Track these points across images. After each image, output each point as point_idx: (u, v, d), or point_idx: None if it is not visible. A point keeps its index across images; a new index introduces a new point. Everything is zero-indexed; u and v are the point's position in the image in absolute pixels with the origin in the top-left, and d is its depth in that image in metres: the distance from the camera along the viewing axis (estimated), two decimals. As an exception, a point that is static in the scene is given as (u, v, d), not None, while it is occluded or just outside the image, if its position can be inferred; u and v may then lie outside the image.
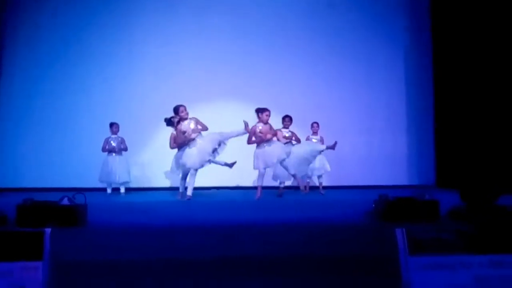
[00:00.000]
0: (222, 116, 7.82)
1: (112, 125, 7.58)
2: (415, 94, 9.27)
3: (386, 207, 3.86)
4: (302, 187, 6.98)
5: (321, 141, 7.51)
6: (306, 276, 3.00)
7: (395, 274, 2.07)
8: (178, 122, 6.37)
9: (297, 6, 9.14)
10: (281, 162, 6.51)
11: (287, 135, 7.04)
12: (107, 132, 7.63)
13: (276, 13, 9.08)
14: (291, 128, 7.22)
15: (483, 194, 3.99)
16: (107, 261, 3.03)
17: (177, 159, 6.55)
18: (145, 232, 3.52)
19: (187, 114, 6.37)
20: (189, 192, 6.26)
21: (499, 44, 7.90)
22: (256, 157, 6.48)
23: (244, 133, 6.46)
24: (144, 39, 8.84)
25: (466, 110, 8.28)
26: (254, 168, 6.55)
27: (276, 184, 7.33)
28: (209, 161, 6.34)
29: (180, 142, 6.41)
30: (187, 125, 6.31)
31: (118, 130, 7.59)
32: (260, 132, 6.46)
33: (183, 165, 6.33)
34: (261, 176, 6.49)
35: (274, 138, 6.62)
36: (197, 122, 6.39)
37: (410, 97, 9.27)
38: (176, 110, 6.38)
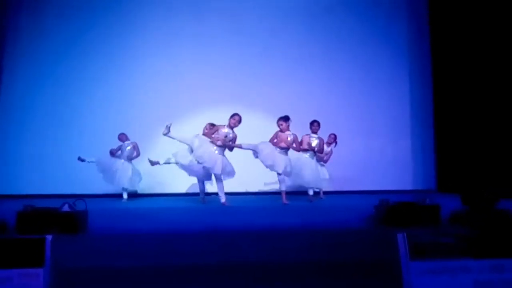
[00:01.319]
0: (223, 120, 7.83)
1: (121, 134, 7.55)
2: (415, 99, 9.28)
3: (387, 212, 3.86)
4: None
5: (320, 142, 7.37)
6: (308, 281, 3.00)
7: (396, 278, 2.07)
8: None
9: (297, 10, 9.17)
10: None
11: (315, 142, 6.96)
12: (108, 138, 7.59)
13: (276, 18, 9.10)
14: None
15: (484, 198, 3.99)
16: (108, 267, 3.02)
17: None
18: (145, 238, 3.52)
19: (236, 123, 6.33)
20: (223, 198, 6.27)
21: (499, 48, 7.90)
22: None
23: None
24: (145, 44, 8.87)
25: (467, 114, 8.28)
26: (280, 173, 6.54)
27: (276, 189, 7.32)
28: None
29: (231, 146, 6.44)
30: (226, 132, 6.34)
31: (127, 138, 7.56)
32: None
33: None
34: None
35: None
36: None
37: (410, 101, 9.28)
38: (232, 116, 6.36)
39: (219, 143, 6.20)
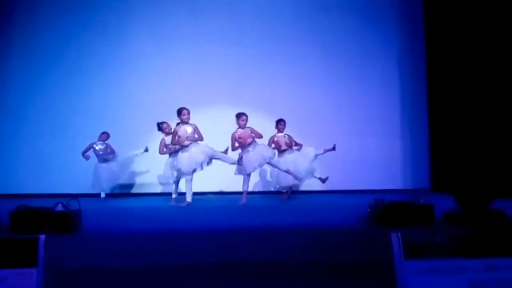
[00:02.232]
0: (217, 120, 7.84)
1: (102, 133, 7.57)
2: (409, 98, 9.30)
3: (381, 211, 3.87)
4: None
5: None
6: (302, 280, 3.00)
7: (390, 278, 2.08)
8: (178, 124, 6.39)
9: (292, 10, 9.17)
10: (270, 161, 6.52)
11: (285, 139, 7.00)
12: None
13: (271, 17, 9.11)
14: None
15: (478, 198, 4.01)
16: (102, 268, 3.01)
17: (170, 164, 6.61)
18: (140, 238, 3.51)
19: (189, 118, 6.37)
20: (188, 198, 6.26)
21: (494, 48, 7.95)
22: (243, 162, 6.45)
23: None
24: (141, 43, 8.86)
25: (461, 114, 8.32)
26: (236, 173, 6.56)
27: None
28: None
29: (174, 145, 6.45)
30: (184, 130, 6.32)
31: (107, 138, 7.59)
32: (239, 137, 6.46)
33: (178, 170, 6.34)
34: (246, 181, 6.50)
35: (259, 140, 6.61)
36: (196, 129, 6.39)
37: (405, 101, 9.31)
38: (179, 112, 6.38)
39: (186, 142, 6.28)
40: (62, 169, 8.24)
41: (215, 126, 7.42)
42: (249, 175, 6.48)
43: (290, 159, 6.83)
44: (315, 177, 7.27)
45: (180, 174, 6.44)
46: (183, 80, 8.73)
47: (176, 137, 6.31)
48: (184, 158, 6.25)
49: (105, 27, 8.82)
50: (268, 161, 6.49)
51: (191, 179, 6.32)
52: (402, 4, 9.53)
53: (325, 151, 7.32)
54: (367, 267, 2.97)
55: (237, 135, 6.47)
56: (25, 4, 8.84)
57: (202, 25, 8.95)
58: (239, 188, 6.58)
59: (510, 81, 7.90)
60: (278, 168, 6.65)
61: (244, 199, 6.36)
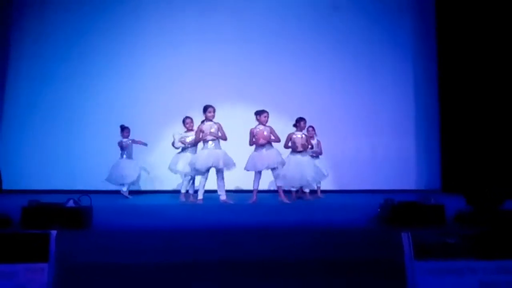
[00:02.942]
0: (225, 119, 7.84)
1: (124, 129, 7.55)
2: (420, 98, 9.25)
3: (392, 211, 3.84)
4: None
5: (318, 144, 7.48)
6: (311, 279, 3.00)
7: (400, 278, 2.06)
8: (202, 121, 6.45)
9: (303, 9, 9.16)
10: (272, 170, 6.46)
11: (302, 140, 6.92)
12: (112, 134, 7.62)
13: (281, 16, 9.11)
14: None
15: (489, 198, 3.97)
16: (112, 263, 3.03)
17: (189, 160, 6.59)
18: (150, 234, 3.52)
19: (213, 116, 6.41)
20: (200, 195, 6.29)
21: (506, 48, 7.87)
22: (250, 158, 6.46)
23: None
24: (149, 41, 8.91)
25: (472, 114, 8.25)
26: (245, 169, 6.54)
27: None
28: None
29: (196, 141, 6.52)
30: (208, 127, 6.35)
31: (129, 134, 7.59)
32: (256, 133, 6.43)
33: (193, 166, 6.37)
34: (256, 179, 6.47)
35: (276, 144, 6.56)
36: (220, 128, 6.41)
37: (416, 101, 9.26)
38: (204, 109, 6.45)
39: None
40: (74, 165, 8.31)
41: (225, 125, 7.41)
42: (259, 173, 6.45)
43: (300, 161, 6.76)
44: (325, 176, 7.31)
45: (194, 171, 6.47)
46: (191, 78, 8.76)
47: (200, 134, 6.35)
48: (203, 155, 6.30)
49: (113, 26, 8.89)
50: (271, 167, 6.42)
51: (206, 177, 6.33)
52: (414, 4, 9.47)
53: (312, 153, 7.30)
54: (377, 267, 2.95)
55: (254, 131, 6.46)
56: (36, 5, 8.92)
57: (210, 24, 8.98)
58: (249, 186, 6.58)
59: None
60: (275, 179, 6.60)
61: (254, 197, 6.36)
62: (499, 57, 7.95)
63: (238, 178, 6.98)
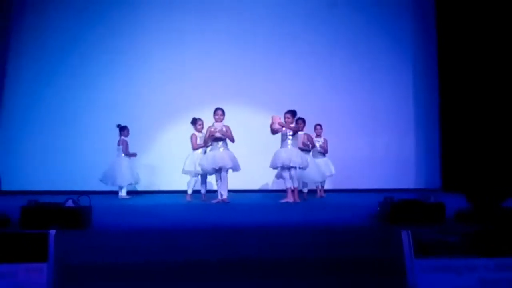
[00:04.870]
0: (226, 119, 7.84)
1: (125, 128, 7.53)
2: (421, 98, 9.25)
3: (392, 210, 3.84)
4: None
5: (324, 143, 7.49)
6: (311, 278, 2.99)
7: (400, 276, 2.06)
8: (212, 124, 6.48)
9: (303, 8, 9.16)
10: (290, 167, 6.37)
11: (303, 139, 6.91)
12: (112, 134, 7.60)
13: (280, 15, 9.10)
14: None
15: (489, 196, 3.97)
16: (111, 264, 3.02)
17: (198, 160, 6.59)
18: (149, 234, 3.51)
19: (222, 119, 6.44)
20: (225, 194, 6.33)
21: (506, 47, 7.87)
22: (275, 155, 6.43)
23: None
24: (150, 41, 8.90)
25: (472, 113, 8.25)
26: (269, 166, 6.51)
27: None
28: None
29: (205, 140, 6.52)
30: (217, 128, 6.39)
31: (128, 134, 7.58)
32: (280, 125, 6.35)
33: (201, 166, 6.40)
34: (286, 179, 6.33)
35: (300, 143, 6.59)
36: (228, 129, 6.42)
37: (416, 100, 9.26)
38: (214, 112, 6.47)
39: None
40: (73, 165, 8.30)
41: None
42: (289, 171, 6.35)
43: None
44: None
45: (201, 171, 6.52)
46: (192, 77, 8.75)
47: (209, 134, 6.38)
48: (209, 156, 6.33)
49: (114, 26, 8.87)
50: (290, 165, 6.28)
51: (220, 177, 6.35)
52: (415, 3, 9.47)
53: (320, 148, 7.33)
54: (377, 265, 2.95)
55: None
56: (35, 5, 8.91)
57: (210, 24, 8.97)
58: (249, 186, 6.58)
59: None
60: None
61: (289, 196, 6.26)
62: (499, 56, 7.95)
63: (238, 178, 6.97)
